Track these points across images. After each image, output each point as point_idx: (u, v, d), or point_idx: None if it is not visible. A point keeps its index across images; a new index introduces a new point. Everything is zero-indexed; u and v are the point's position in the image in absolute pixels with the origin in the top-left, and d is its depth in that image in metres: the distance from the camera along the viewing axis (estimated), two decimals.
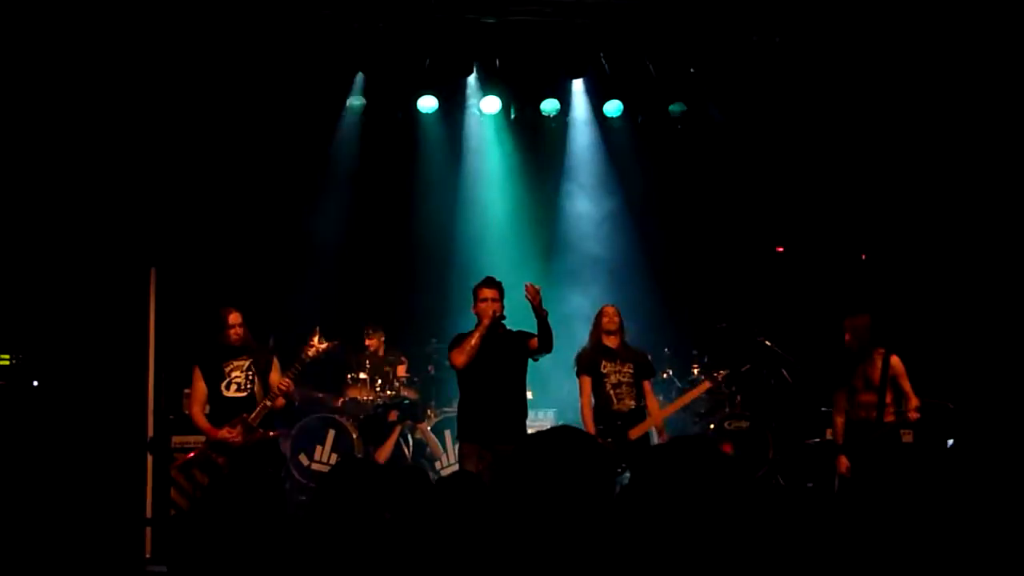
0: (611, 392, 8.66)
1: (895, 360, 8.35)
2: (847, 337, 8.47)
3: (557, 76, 11.35)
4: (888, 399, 8.29)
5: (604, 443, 8.26)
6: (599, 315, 8.90)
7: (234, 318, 8.08)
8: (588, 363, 8.73)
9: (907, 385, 8.33)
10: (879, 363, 8.32)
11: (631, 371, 8.73)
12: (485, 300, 7.99)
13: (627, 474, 8.33)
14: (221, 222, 11.19)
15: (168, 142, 10.39)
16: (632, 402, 8.69)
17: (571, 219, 11.90)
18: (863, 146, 11.12)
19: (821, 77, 10.66)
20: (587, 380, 8.69)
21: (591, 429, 8.45)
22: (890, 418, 8.31)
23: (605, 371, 8.69)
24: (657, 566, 2.69)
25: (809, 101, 10.94)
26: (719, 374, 9.16)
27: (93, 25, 9.42)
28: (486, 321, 7.87)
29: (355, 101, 11.21)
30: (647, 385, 8.92)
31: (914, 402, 8.25)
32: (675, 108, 11.52)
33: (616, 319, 8.84)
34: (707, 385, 9.33)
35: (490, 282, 8.08)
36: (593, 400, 8.72)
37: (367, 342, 10.93)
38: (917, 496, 8.21)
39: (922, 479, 8.49)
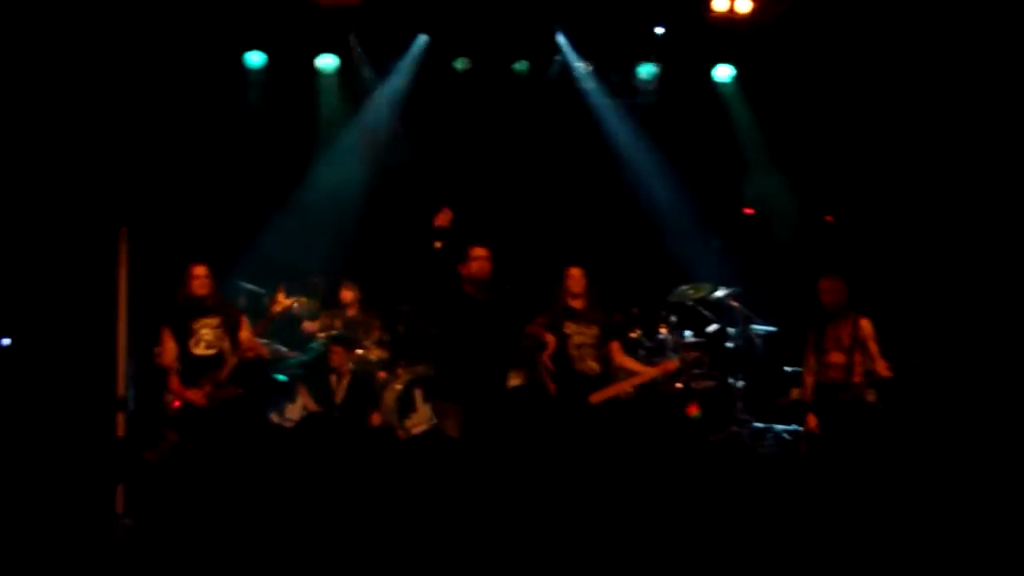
0: (573, 353, 8.46)
1: (864, 323, 8.48)
2: (824, 297, 8.60)
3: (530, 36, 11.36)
4: (857, 360, 8.45)
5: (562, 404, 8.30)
6: (564, 277, 8.67)
7: (199, 270, 8.12)
8: (551, 324, 8.54)
9: (875, 348, 8.47)
10: (850, 325, 8.46)
11: (596, 333, 8.60)
12: (477, 259, 7.82)
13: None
14: (193, 181, 11.21)
15: (138, 100, 10.35)
16: (595, 364, 8.50)
17: (547, 176, 11.93)
18: (834, 106, 11.22)
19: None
20: (550, 339, 8.59)
21: (551, 389, 8.22)
22: (858, 379, 8.46)
23: (568, 332, 8.48)
24: (619, 520, 2.76)
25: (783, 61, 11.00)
26: (689, 354, 9.02)
27: None
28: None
29: (329, 62, 11.17)
30: (616, 345, 8.88)
31: (881, 364, 8.39)
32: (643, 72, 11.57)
33: (582, 281, 8.63)
34: (676, 364, 9.25)
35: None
36: (555, 361, 8.44)
37: (343, 292, 10.97)
38: (882, 455, 8.39)
39: (888, 438, 8.67)
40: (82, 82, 9.89)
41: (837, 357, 8.51)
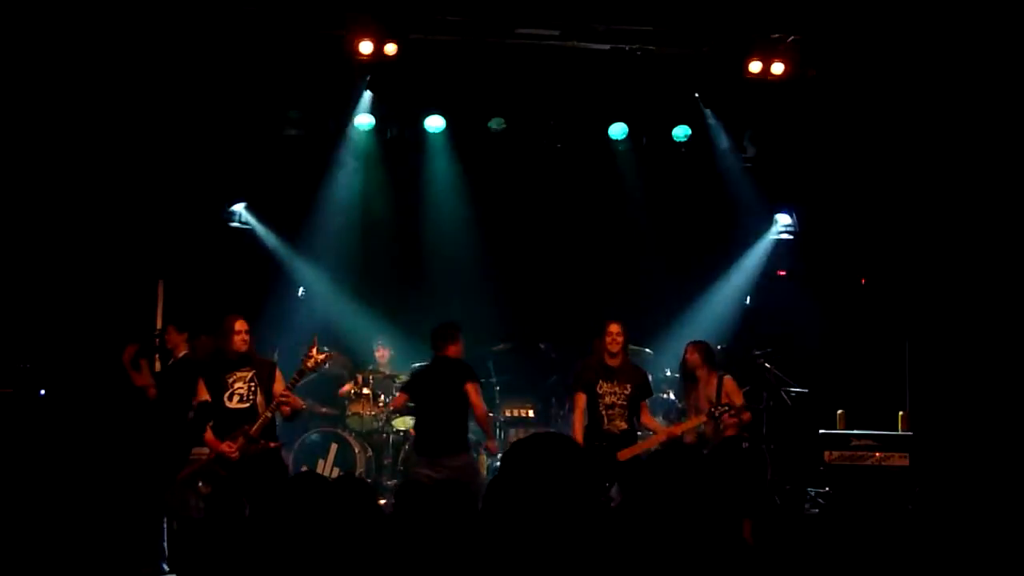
0: (603, 412, 8.56)
1: (728, 380, 9.05)
2: (689, 359, 9.14)
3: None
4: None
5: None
6: (604, 332, 8.72)
7: (240, 325, 8.10)
8: (585, 380, 8.66)
9: (739, 400, 9.02)
10: (714, 383, 8.99)
11: (627, 392, 8.63)
12: None
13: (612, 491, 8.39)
14: (228, 236, 11.36)
15: (177, 157, 10.53)
16: (624, 424, 8.58)
17: (577, 239, 11.99)
18: (866, 169, 11.24)
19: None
20: (582, 397, 8.62)
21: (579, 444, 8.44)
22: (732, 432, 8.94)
23: (601, 391, 8.59)
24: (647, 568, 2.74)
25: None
26: (717, 410, 9.07)
27: (108, 41, 9.55)
28: None
29: (361, 120, 11.30)
30: (644, 405, 8.89)
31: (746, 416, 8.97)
32: (679, 133, 11.61)
33: (620, 339, 8.68)
34: (702, 419, 9.24)
35: None
36: (586, 419, 8.63)
37: (378, 352, 11.07)
38: None
39: None
40: (120, 137, 10.09)
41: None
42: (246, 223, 11.80)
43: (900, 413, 10.15)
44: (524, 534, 2.82)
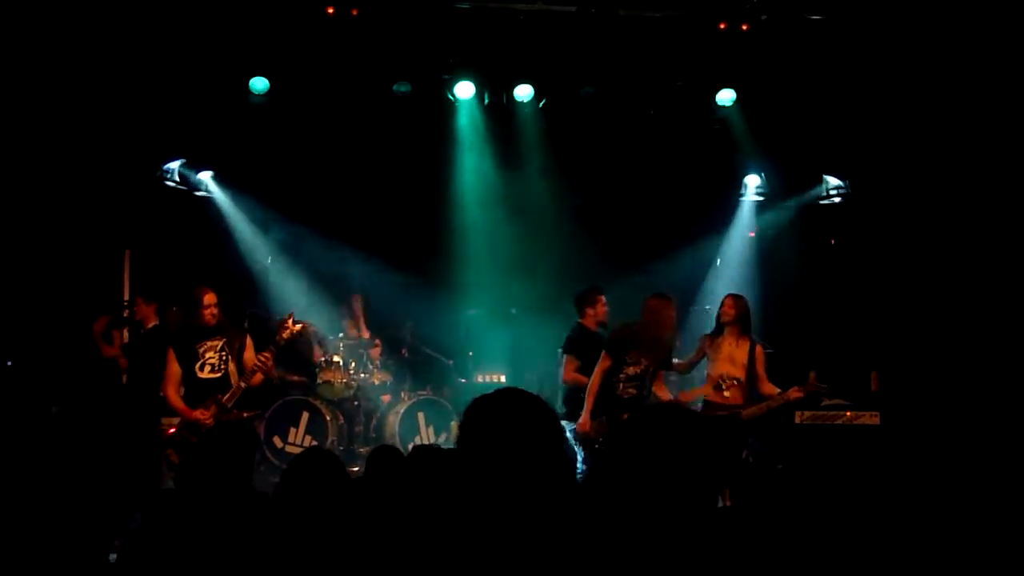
0: (621, 379, 8.65)
1: (760, 350, 9.09)
2: (723, 312, 9.13)
3: (532, 62, 11.34)
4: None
5: (598, 421, 8.49)
6: (666, 312, 8.73)
7: (209, 298, 8.09)
8: (619, 348, 8.68)
9: (762, 368, 9.13)
10: (744, 348, 9.06)
11: (647, 364, 8.72)
12: None
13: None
14: (195, 205, 11.27)
15: (142, 124, 10.41)
16: (634, 391, 8.67)
17: (544, 203, 11.96)
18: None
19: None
20: (608, 362, 8.66)
21: (590, 404, 8.56)
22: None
23: (629, 360, 8.67)
24: (627, 528, 2.73)
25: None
26: (725, 383, 9.07)
27: (71, 7, 9.42)
28: None
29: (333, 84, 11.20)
30: (660, 375, 8.97)
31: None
32: None
33: (673, 317, 8.83)
34: (707, 389, 9.26)
35: None
36: (601, 379, 8.66)
37: (346, 323, 11.03)
38: None
39: None
40: (84, 103, 9.97)
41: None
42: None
43: (872, 372, 10.19)
44: (488, 490, 2.81)
